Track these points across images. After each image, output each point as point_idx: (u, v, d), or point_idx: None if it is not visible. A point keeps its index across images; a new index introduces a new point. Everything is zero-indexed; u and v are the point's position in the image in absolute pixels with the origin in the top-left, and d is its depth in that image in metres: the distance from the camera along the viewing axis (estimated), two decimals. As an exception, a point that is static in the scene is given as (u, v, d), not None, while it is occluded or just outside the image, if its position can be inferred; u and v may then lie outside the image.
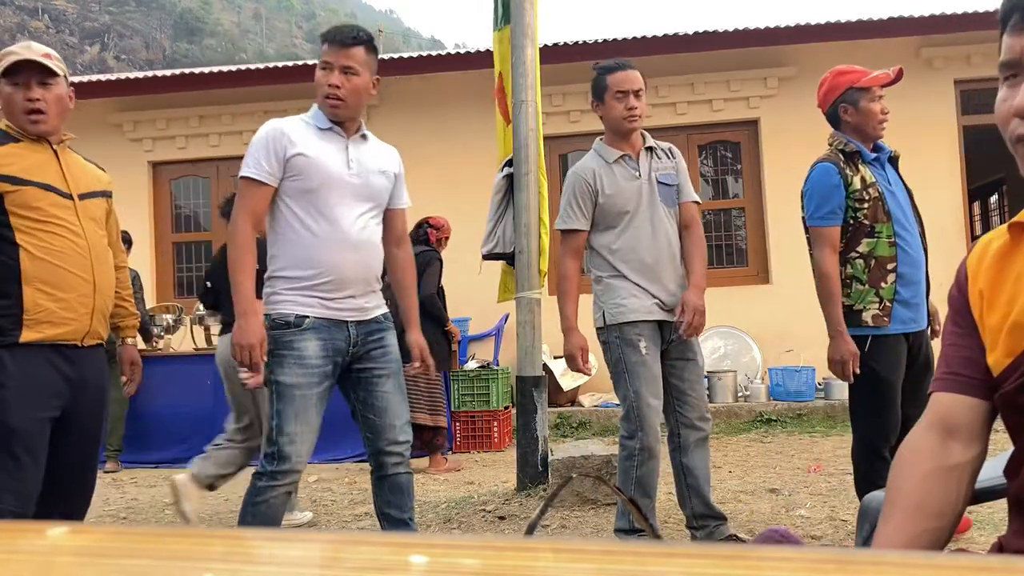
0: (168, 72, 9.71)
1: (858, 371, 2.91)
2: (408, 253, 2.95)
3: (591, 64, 3.32)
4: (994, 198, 12.24)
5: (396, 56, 8.58)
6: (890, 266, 2.95)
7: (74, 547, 0.38)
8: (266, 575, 0.35)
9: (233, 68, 8.68)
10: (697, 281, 3.17)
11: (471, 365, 6.83)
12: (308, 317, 2.60)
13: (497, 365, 7.07)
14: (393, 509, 2.74)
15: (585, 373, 3.28)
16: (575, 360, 3.19)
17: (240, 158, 2.74)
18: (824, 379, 6.91)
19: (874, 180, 2.99)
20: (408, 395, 2.97)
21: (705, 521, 3.16)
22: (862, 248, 2.96)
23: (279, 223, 2.65)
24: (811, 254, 3.04)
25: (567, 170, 9.86)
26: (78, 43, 60.45)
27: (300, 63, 8.84)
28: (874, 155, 3.05)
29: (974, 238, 7.47)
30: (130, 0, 69.58)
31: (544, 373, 4.49)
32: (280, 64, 8.72)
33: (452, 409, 6.26)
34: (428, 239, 5.61)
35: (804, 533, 3.19)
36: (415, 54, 8.69)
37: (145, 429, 6.08)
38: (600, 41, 7.93)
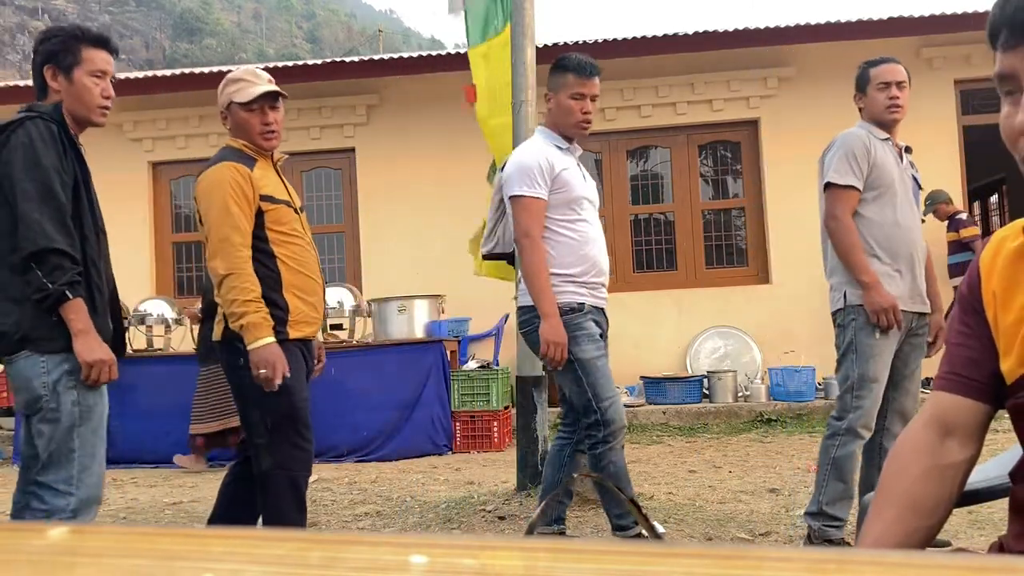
0: (168, 72, 9.71)
1: None
2: None
3: (860, 65, 3.19)
4: (994, 198, 12.23)
5: (396, 56, 8.58)
6: None
7: (74, 547, 0.38)
8: (266, 575, 0.35)
9: (233, 68, 8.67)
10: (939, 303, 3.24)
11: (471, 365, 6.83)
12: (585, 303, 3.03)
13: (497, 365, 7.07)
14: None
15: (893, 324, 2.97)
16: (888, 315, 2.94)
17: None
18: (824, 379, 6.91)
19: None
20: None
21: None
22: None
23: (548, 231, 3.02)
24: None
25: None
26: (78, 43, 60.31)
27: (300, 63, 8.85)
28: None
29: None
30: (130, 0, 69.57)
31: (544, 373, 4.49)
32: (280, 64, 8.71)
33: (452, 409, 6.27)
34: None
35: (804, 533, 3.19)
36: (415, 54, 8.69)
37: (145, 429, 6.07)
38: (600, 41, 7.93)
